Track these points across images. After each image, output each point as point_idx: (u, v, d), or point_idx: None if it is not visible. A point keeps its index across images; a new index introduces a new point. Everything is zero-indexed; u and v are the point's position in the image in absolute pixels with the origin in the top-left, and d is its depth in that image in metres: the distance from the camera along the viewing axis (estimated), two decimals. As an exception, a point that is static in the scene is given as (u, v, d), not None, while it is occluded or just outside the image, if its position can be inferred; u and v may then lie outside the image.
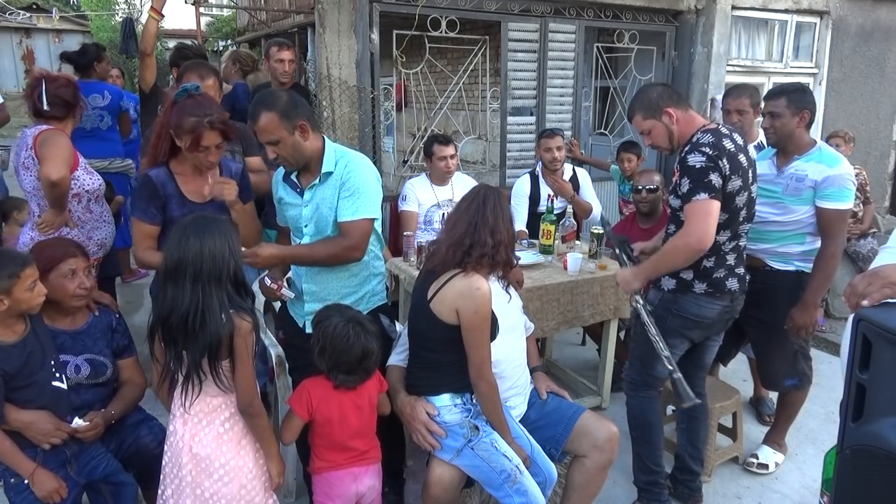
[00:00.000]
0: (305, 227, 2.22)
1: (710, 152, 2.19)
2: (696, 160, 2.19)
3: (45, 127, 2.66)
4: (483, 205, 2.04)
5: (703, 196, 2.18)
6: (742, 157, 2.27)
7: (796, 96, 2.63)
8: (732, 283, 2.37)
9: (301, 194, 2.22)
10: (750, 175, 2.32)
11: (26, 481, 1.92)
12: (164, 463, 1.91)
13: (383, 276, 2.44)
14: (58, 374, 2.02)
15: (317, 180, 2.18)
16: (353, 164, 2.19)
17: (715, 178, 2.18)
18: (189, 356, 1.78)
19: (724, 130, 2.30)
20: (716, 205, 2.19)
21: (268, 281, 2.28)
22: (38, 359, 1.96)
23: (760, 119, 3.56)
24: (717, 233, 2.26)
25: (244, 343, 1.79)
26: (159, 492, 1.93)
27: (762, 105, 2.86)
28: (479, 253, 1.98)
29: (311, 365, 2.09)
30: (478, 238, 1.99)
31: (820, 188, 2.58)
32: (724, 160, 2.20)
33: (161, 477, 1.92)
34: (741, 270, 2.42)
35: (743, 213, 2.33)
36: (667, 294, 2.43)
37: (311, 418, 2.01)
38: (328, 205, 2.18)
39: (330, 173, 2.18)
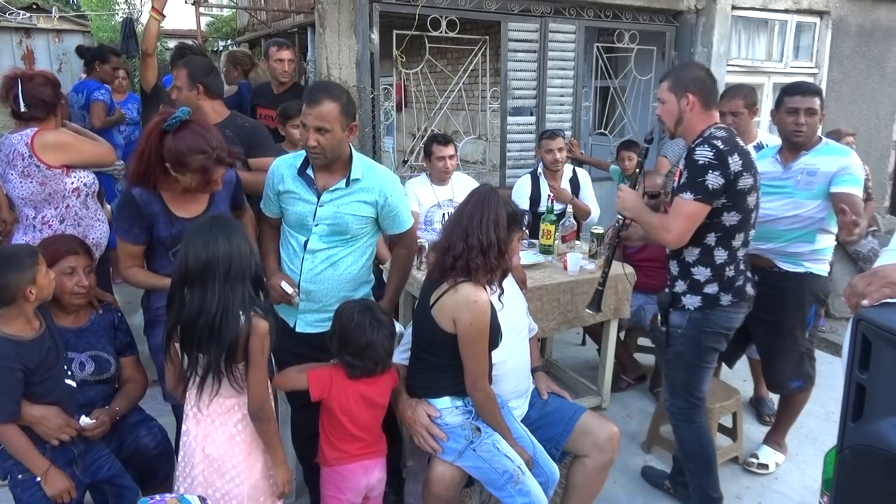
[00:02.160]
0: (316, 226, 2.22)
1: (721, 146, 2.14)
2: (701, 154, 2.15)
3: (32, 131, 2.52)
4: (477, 210, 2.00)
5: (689, 196, 2.15)
6: (752, 158, 2.24)
7: (822, 96, 2.71)
8: (749, 289, 2.35)
9: (316, 193, 2.21)
10: (756, 177, 2.27)
11: (37, 479, 1.93)
12: (177, 461, 1.91)
13: (372, 282, 2.46)
14: (69, 372, 2.03)
15: (342, 184, 2.20)
16: (387, 183, 2.26)
17: (712, 179, 2.12)
18: (207, 357, 1.76)
19: (734, 131, 2.29)
20: (699, 208, 2.15)
21: (288, 288, 2.24)
22: (54, 355, 1.98)
23: (759, 119, 3.57)
24: (732, 237, 2.23)
25: (260, 344, 1.77)
26: (174, 489, 1.93)
27: (758, 105, 2.85)
28: (467, 259, 1.95)
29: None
30: (469, 244, 1.95)
31: (837, 176, 2.58)
32: (736, 156, 2.15)
33: (175, 475, 1.92)
34: (750, 273, 2.40)
35: (753, 216, 2.28)
36: (694, 313, 2.32)
37: (325, 403, 2.01)
38: (352, 211, 2.21)
39: (357, 180, 2.20)
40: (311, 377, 2.00)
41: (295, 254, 2.29)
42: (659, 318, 2.46)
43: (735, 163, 2.14)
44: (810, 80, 5.77)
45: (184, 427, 1.89)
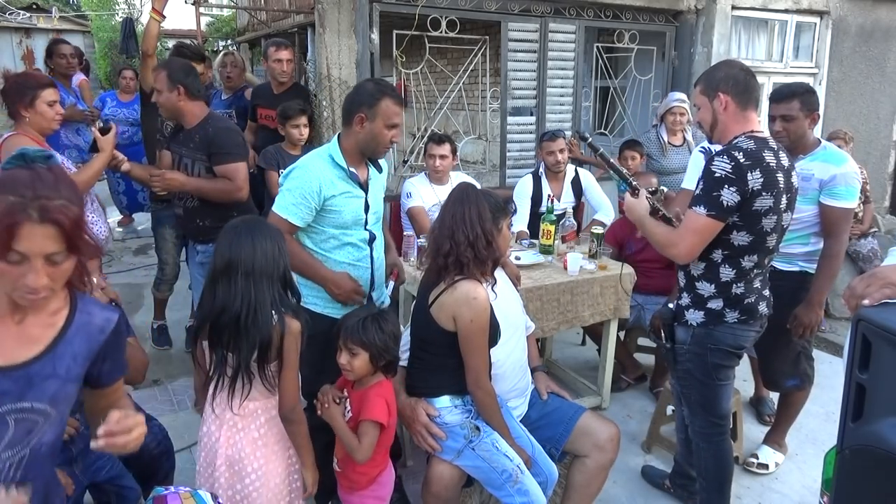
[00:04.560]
0: (370, 214, 2.34)
1: (742, 160, 1.98)
2: (718, 166, 2.00)
3: (7, 134, 2.57)
4: (458, 207, 2.02)
5: (701, 210, 2.03)
6: (780, 177, 2.05)
7: (807, 98, 2.59)
8: (763, 308, 2.22)
9: (361, 186, 2.30)
10: (784, 200, 2.09)
11: None
12: (198, 462, 1.91)
13: None
14: None
15: (374, 171, 2.37)
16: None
17: (727, 195, 1.98)
18: (237, 357, 1.75)
19: (772, 144, 2.10)
20: (711, 225, 2.03)
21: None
22: None
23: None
24: (741, 257, 2.11)
25: (294, 344, 1.78)
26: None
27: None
28: (457, 255, 1.96)
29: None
30: (456, 240, 1.97)
31: (826, 186, 2.56)
32: (757, 172, 1.98)
33: (196, 475, 1.92)
34: (767, 292, 2.28)
35: (771, 240, 2.12)
36: (697, 329, 2.21)
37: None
38: (383, 192, 2.46)
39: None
40: (375, 416, 1.94)
41: (359, 250, 2.34)
42: (663, 334, 2.35)
43: (754, 180, 1.98)
44: (810, 80, 5.78)
45: (203, 428, 1.88)
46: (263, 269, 1.75)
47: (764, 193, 2.01)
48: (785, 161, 2.11)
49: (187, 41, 4.70)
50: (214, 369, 1.79)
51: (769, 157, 2.03)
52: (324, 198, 2.21)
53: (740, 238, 2.09)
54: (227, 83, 4.41)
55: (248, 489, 1.83)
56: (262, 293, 1.74)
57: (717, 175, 2.00)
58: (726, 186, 1.98)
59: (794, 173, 2.16)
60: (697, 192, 2.07)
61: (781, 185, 2.06)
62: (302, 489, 1.94)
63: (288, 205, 2.21)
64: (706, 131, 2.23)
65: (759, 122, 2.18)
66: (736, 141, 2.08)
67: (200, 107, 2.92)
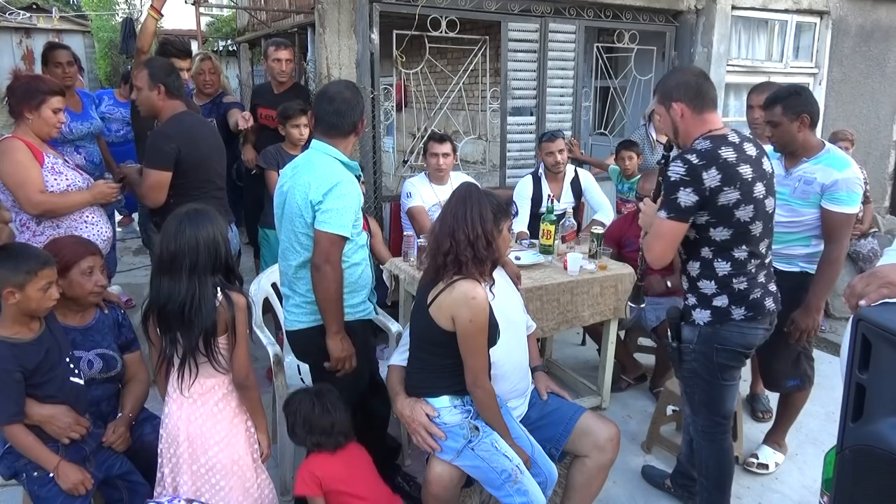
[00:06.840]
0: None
1: (695, 161, 2.02)
2: (673, 171, 2.06)
3: (6, 135, 2.57)
4: (460, 207, 2.02)
5: (663, 214, 2.09)
6: (745, 169, 2.06)
7: (791, 101, 2.58)
8: (770, 303, 2.21)
9: None
10: (756, 188, 2.09)
11: (51, 474, 1.94)
12: (160, 444, 1.99)
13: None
14: (76, 371, 2.04)
15: None
16: None
17: (684, 196, 2.03)
18: (185, 341, 1.86)
19: (732, 138, 2.11)
20: (676, 227, 2.08)
21: None
22: (56, 355, 1.98)
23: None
24: (730, 250, 2.12)
25: (243, 318, 1.91)
26: (157, 475, 2.00)
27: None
28: (456, 254, 1.96)
29: None
30: (456, 239, 1.97)
31: (828, 191, 2.56)
32: (713, 170, 2.01)
33: (158, 459, 1.99)
34: (774, 287, 2.26)
35: (756, 228, 2.12)
36: (703, 328, 2.20)
37: (325, 489, 2.03)
38: None
39: None
40: (301, 491, 2.03)
41: (363, 249, 2.35)
42: (669, 333, 2.33)
43: (712, 178, 2.01)
44: (810, 80, 5.78)
45: (165, 409, 1.98)
46: (206, 263, 1.86)
47: (725, 188, 2.04)
48: (752, 150, 2.12)
49: (172, 38, 4.47)
50: (166, 350, 1.90)
51: (726, 153, 2.05)
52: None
53: (720, 233, 2.12)
54: (205, 90, 4.12)
55: (212, 461, 1.92)
56: (204, 285, 1.85)
57: (672, 179, 2.06)
58: (682, 188, 2.04)
59: (764, 158, 2.18)
60: (661, 197, 2.12)
61: (748, 176, 2.07)
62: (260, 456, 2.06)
63: (347, 223, 2.16)
64: (671, 138, 2.25)
65: (719, 120, 2.20)
66: (694, 143, 2.12)
67: (175, 106, 2.85)
